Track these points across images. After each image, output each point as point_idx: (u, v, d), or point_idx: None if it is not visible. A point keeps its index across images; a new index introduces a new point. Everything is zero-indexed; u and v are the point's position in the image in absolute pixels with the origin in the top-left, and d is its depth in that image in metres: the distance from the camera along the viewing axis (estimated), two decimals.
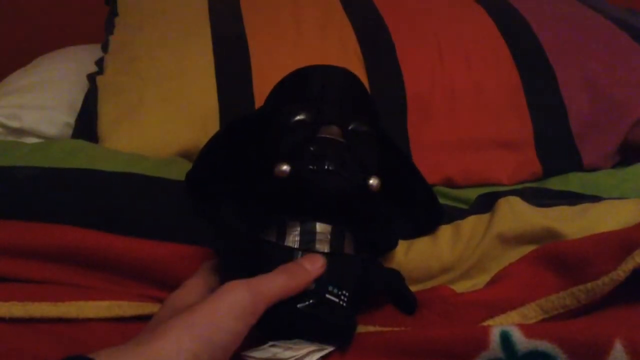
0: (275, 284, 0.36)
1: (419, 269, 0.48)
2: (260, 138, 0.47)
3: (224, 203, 0.47)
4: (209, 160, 0.50)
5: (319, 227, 0.41)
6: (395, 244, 0.48)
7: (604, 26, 0.81)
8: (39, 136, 0.72)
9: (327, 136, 0.42)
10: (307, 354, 0.37)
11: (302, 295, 0.37)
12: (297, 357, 0.36)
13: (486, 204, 0.54)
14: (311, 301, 0.38)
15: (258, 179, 0.44)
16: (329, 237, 0.41)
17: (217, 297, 0.34)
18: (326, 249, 0.40)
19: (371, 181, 0.41)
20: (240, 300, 0.33)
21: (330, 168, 0.40)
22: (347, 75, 0.51)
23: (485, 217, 0.52)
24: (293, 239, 0.40)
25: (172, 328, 0.31)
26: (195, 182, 0.50)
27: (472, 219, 0.52)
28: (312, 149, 0.41)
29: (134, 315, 0.44)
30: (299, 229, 0.40)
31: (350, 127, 0.44)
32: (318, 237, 0.40)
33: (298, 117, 0.44)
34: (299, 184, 0.40)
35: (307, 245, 0.40)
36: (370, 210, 0.44)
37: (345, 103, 0.47)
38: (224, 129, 0.51)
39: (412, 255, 0.49)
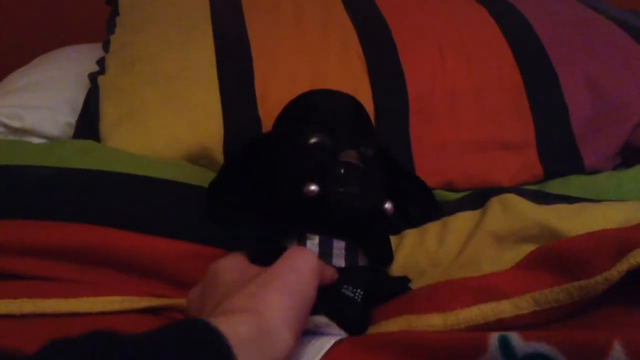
0: (321, 262, 0.38)
1: (408, 265, 0.50)
2: (280, 158, 0.50)
3: (247, 212, 0.50)
4: (230, 173, 0.53)
5: (335, 243, 0.44)
6: (393, 259, 0.50)
7: (605, 27, 0.81)
8: (40, 136, 0.72)
9: (350, 160, 0.45)
10: (328, 335, 0.39)
11: (321, 289, 0.39)
12: (325, 323, 0.39)
13: (477, 200, 0.55)
14: (331, 294, 0.40)
15: (279, 195, 0.47)
16: (344, 252, 0.44)
17: (295, 258, 0.36)
18: (342, 264, 0.44)
19: (387, 205, 0.46)
20: (314, 260, 0.36)
21: (357, 191, 0.43)
22: (351, 100, 0.54)
23: (475, 213, 0.53)
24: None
25: (271, 292, 0.33)
26: (216, 192, 0.53)
27: (460, 216, 0.53)
28: (339, 172, 0.44)
29: (146, 307, 0.44)
30: (317, 242, 0.44)
31: (361, 151, 0.47)
32: (335, 252, 0.44)
33: (314, 139, 0.47)
34: (326, 204, 0.43)
35: (325, 258, 0.43)
36: (380, 229, 0.48)
37: (354, 126, 0.51)
38: (243, 146, 0.54)
39: (400, 252, 0.51)
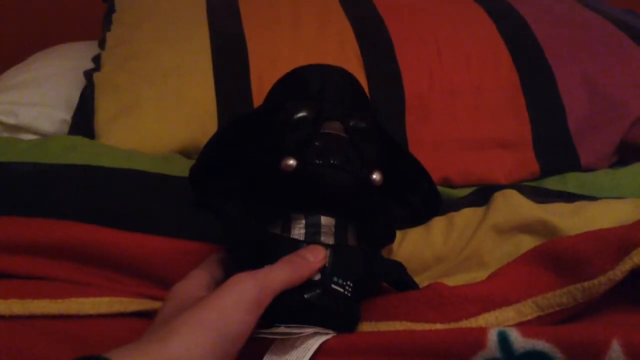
0: (280, 275, 0.37)
1: (412, 258, 0.49)
2: (263, 135, 0.47)
3: (229, 197, 0.48)
4: (211, 156, 0.51)
5: (323, 220, 0.42)
6: (393, 238, 0.49)
7: (602, 26, 0.81)
8: (35, 133, 0.72)
9: (331, 131, 0.43)
10: (314, 334, 0.38)
11: (309, 285, 0.38)
12: (305, 334, 0.37)
13: (482, 197, 0.55)
14: (317, 291, 0.39)
15: (262, 174, 0.44)
16: (333, 229, 0.42)
17: (225, 290, 0.34)
18: (331, 241, 0.41)
19: (374, 175, 0.43)
20: (247, 293, 0.34)
21: (335, 162, 0.41)
22: (344, 73, 0.51)
23: (480, 210, 0.53)
24: (298, 232, 0.41)
25: (184, 324, 0.32)
26: (198, 176, 0.51)
27: (466, 212, 0.53)
28: (317, 143, 0.42)
29: (135, 310, 0.44)
30: (303, 222, 0.42)
31: (350, 124, 0.45)
32: (323, 229, 0.41)
33: (300, 114, 0.45)
34: (304, 178, 0.41)
35: (312, 237, 0.41)
36: (372, 204, 0.45)
37: (345, 100, 0.48)
38: (226, 126, 0.51)
39: (405, 245, 0.50)
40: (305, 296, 0.38)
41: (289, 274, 0.37)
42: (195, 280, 0.39)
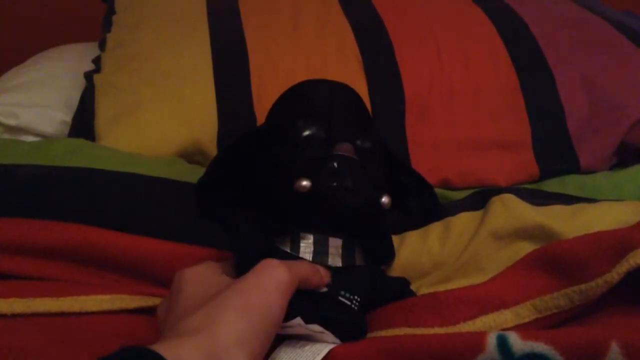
0: (303, 270, 0.38)
1: (410, 265, 0.49)
2: (272, 152, 0.48)
3: (238, 210, 0.48)
4: (218, 171, 0.52)
5: (331, 241, 0.43)
6: (394, 255, 0.49)
7: (602, 28, 0.82)
8: (35, 134, 0.72)
9: (345, 154, 0.44)
10: (324, 342, 0.38)
11: (317, 296, 0.39)
12: (320, 331, 0.38)
13: (479, 201, 0.55)
14: (325, 302, 0.40)
15: (271, 191, 0.45)
16: (340, 250, 0.43)
17: (262, 273, 0.35)
18: (338, 262, 0.42)
19: (383, 199, 0.44)
20: (284, 277, 0.35)
21: (350, 185, 0.42)
22: (347, 89, 0.52)
23: (477, 214, 0.53)
24: (305, 251, 0.42)
25: (229, 310, 0.32)
26: (204, 189, 0.51)
27: (463, 216, 0.53)
28: (331, 165, 0.43)
29: (137, 307, 0.44)
30: (311, 241, 0.42)
31: (357, 143, 0.46)
32: (330, 250, 0.42)
33: (309, 132, 0.45)
34: (319, 199, 0.42)
35: (320, 259, 0.42)
36: (379, 225, 0.47)
37: (350, 118, 0.49)
38: (234, 141, 0.52)
39: (403, 252, 0.50)
40: (314, 305, 0.38)
41: (309, 273, 0.38)
42: (210, 267, 0.38)
